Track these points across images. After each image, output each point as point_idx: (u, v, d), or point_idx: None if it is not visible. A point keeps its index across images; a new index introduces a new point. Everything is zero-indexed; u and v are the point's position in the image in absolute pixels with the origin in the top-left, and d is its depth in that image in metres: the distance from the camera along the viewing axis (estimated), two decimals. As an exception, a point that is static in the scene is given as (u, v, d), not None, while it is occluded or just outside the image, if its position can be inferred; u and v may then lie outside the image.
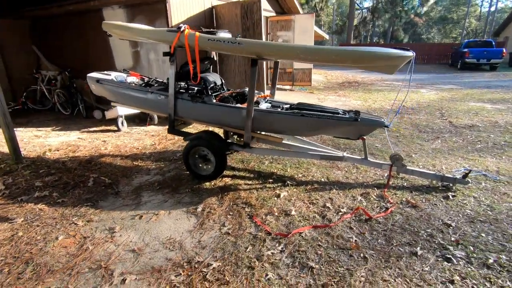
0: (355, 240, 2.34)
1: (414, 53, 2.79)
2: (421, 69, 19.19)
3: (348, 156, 3.38)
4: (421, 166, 3.72)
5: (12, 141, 3.72)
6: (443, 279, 1.94)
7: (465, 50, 17.27)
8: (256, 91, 3.79)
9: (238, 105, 3.40)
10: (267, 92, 4.32)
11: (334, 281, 1.94)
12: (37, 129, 5.67)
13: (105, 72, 4.19)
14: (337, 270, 2.04)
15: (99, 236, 2.46)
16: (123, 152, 4.43)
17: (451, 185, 3.14)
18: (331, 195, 3.04)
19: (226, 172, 3.64)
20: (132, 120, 6.04)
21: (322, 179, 3.42)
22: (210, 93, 3.47)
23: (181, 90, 3.56)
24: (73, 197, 3.10)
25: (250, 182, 3.38)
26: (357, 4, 29.85)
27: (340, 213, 2.72)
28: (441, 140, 4.75)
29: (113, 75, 4.06)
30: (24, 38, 7.82)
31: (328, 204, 2.87)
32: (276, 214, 2.73)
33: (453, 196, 2.96)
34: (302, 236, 2.40)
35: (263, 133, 3.46)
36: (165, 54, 3.34)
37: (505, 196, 2.96)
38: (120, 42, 6.47)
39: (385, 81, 13.04)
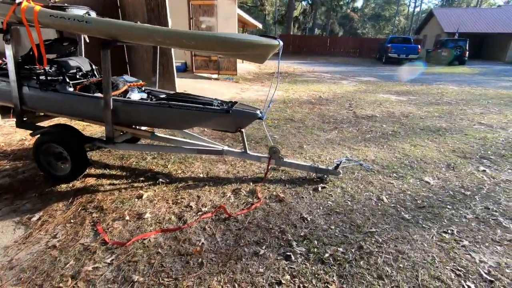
0: (202, 244, 2.16)
1: (281, 43, 2.66)
2: (352, 62, 20.34)
3: (228, 149, 3.20)
4: (307, 158, 3.74)
5: None
6: (272, 281, 1.85)
7: (389, 45, 18.71)
8: (128, 79, 3.41)
9: (99, 94, 2.97)
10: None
11: (152, 296, 1.72)
12: None
13: None
14: (162, 281, 1.82)
15: None
16: (-23, 150, 3.68)
17: (325, 176, 3.17)
18: (200, 193, 2.84)
19: (95, 171, 3.21)
20: (10, 112, 5.14)
21: (201, 175, 3.21)
22: (66, 80, 2.98)
23: (32, 77, 2.99)
24: None
25: (117, 182, 3.02)
26: (298, -5, 30.42)
27: (200, 213, 2.52)
28: (338, 130, 4.90)
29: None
30: None
31: (192, 203, 2.65)
32: (127, 218, 2.43)
33: (322, 188, 2.98)
34: (144, 243, 2.14)
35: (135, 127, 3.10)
36: (-1, 31, 2.74)
37: (370, 185, 3.07)
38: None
39: (314, 72, 13.45)
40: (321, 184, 3.03)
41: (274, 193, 2.86)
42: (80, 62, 3.33)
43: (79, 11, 2.91)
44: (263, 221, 2.43)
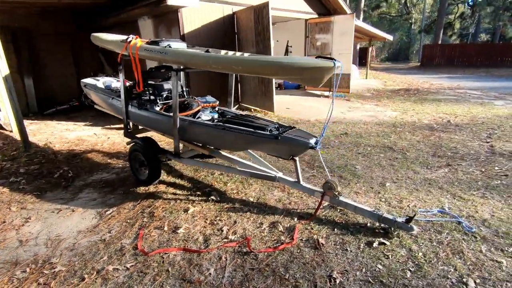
0: (209, 273, 2.09)
1: (339, 63, 2.33)
2: (526, 74, 15.35)
3: (281, 177, 3.01)
4: (381, 200, 3.03)
5: (22, 133, 4.57)
6: None
7: None
8: (209, 99, 3.73)
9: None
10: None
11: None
12: (74, 123, 6.77)
13: (97, 77, 4.73)
14: (152, 302, 1.87)
15: (14, 223, 2.84)
16: (112, 149, 4.92)
17: (392, 229, 2.48)
18: (239, 218, 2.77)
19: (169, 179, 3.69)
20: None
21: (251, 199, 3.14)
22: (155, 101, 3.57)
23: (135, 98, 3.73)
24: (34, 185, 3.63)
25: (179, 192, 3.35)
26: (454, -3, 25.50)
27: (225, 240, 2.46)
28: (450, 169, 3.75)
29: (102, 80, 4.55)
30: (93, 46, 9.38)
31: (225, 228, 2.62)
32: (165, 229, 2.64)
33: (380, 243, 2.33)
34: (163, 258, 2.27)
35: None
36: (116, 62, 3.58)
37: (457, 256, 2.17)
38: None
39: (458, 89, 10.89)
40: (381, 239, 2.38)
41: (315, 236, 2.46)
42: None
43: (176, 44, 3.37)
44: (282, 267, 2.12)
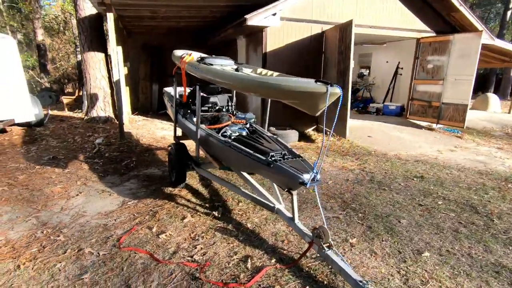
0: (148, 286, 2.09)
1: (336, 90, 2.03)
2: None
3: (279, 209, 2.73)
4: (402, 272, 2.28)
5: (120, 127, 5.78)
6: None
7: None
8: (248, 116, 3.75)
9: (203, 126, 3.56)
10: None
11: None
12: (170, 124, 8.01)
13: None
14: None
15: (70, 194, 3.61)
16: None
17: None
18: (221, 241, 2.64)
19: (195, 184, 3.88)
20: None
21: (249, 225, 2.94)
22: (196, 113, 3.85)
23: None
24: (104, 168, 4.52)
25: (193, 200, 3.48)
26: None
27: (190, 258, 2.39)
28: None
29: (179, 90, 5.25)
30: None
31: (198, 247, 2.55)
32: (154, 230, 2.80)
33: (346, 326, 1.77)
34: (130, 256, 2.42)
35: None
36: (169, 75, 4.07)
37: None
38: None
39: None
40: (353, 321, 1.80)
41: (279, 287, 2.08)
42: (219, 99, 4.13)
43: (222, 61, 3.54)
44: (213, 308, 1.90)
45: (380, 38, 9.09)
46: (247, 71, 3.24)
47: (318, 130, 7.14)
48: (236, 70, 3.18)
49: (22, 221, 2.97)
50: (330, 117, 6.35)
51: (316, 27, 6.71)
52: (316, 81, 2.05)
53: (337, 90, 2.01)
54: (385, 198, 3.62)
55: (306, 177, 2.22)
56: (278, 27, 6.21)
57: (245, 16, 5.52)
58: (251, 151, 2.65)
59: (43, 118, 7.04)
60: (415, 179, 4.29)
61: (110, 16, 5.23)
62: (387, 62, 10.98)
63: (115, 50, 5.35)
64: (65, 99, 9.52)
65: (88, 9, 6.62)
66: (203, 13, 7.25)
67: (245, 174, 3.23)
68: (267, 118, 3.80)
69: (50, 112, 8.82)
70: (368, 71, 11.96)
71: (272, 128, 6.40)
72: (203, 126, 3.45)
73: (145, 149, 5.53)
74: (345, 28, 5.69)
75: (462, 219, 3.12)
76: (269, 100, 3.61)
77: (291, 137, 6.24)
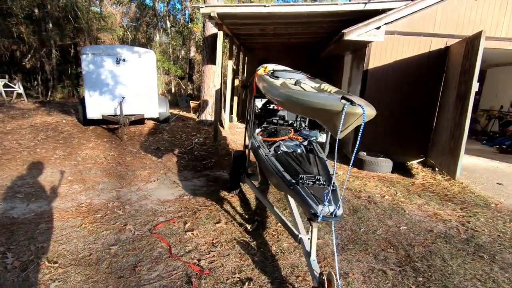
0: (145, 276, 2.25)
1: (359, 110, 1.77)
2: None
3: (302, 239, 2.41)
4: None
5: (215, 131, 6.45)
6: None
7: None
8: (311, 134, 3.54)
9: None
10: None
11: None
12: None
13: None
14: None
15: (150, 179, 4.29)
16: (256, 159, 5.74)
17: None
18: (235, 255, 2.55)
19: (248, 193, 3.89)
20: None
21: (273, 248, 2.71)
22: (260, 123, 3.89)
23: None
24: (188, 163, 5.13)
25: (237, 208, 3.50)
26: None
27: (197, 261, 2.41)
28: None
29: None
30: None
31: (214, 253, 2.55)
32: (187, 226, 2.98)
33: None
34: (153, 243, 2.66)
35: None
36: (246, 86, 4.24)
37: None
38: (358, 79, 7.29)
39: None
40: None
41: (258, 324, 1.84)
42: (288, 113, 4.01)
43: (293, 75, 3.49)
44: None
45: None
46: (307, 86, 3.04)
47: (425, 164, 5.87)
48: (295, 84, 3.04)
49: (108, 192, 3.74)
50: (445, 147, 5.13)
51: (437, 42, 5.60)
52: (342, 98, 1.73)
53: (357, 110, 1.64)
54: (476, 269, 2.61)
55: (320, 209, 1.89)
56: (384, 42, 5.53)
57: (343, 31, 5.20)
58: (281, 169, 2.46)
59: (169, 116, 8.67)
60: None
61: (220, 34, 5.99)
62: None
63: (219, 63, 6.07)
64: (192, 103, 11.42)
65: (212, 28, 7.78)
66: (311, 29, 7.27)
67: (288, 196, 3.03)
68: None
69: (181, 113, 10.76)
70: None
71: (363, 153, 5.71)
72: (259, 137, 3.44)
73: (229, 153, 5.97)
74: (472, 42, 4.50)
75: None
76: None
77: (381, 166, 5.38)
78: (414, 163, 5.97)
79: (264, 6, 5.18)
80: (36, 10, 14.93)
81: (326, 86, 3.09)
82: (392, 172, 5.43)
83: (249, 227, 3.05)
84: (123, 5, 19.36)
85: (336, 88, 2.84)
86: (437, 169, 5.46)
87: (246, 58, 11.08)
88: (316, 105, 1.80)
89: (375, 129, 6.04)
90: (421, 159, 6.00)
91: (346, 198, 4.00)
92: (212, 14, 5.32)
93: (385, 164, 5.42)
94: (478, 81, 4.50)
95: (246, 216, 3.33)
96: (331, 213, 1.91)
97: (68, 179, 4.09)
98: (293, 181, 2.22)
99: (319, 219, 1.88)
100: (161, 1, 20.46)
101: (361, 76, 5.93)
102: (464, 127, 4.50)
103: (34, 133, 6.02)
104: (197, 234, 2.85)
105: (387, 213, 3.62)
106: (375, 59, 5.78)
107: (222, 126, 8.25)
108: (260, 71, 3.66)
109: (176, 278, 2.21)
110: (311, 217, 2.01)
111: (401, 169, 5.58)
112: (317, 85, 3.13)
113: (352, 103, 1.65)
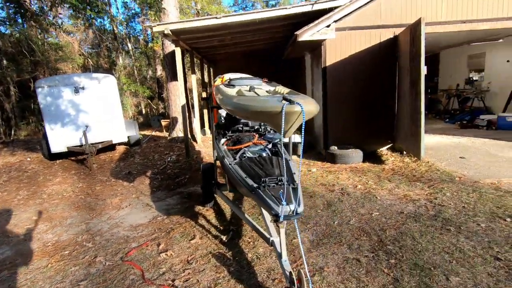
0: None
1: (296, 108, 1.80)
2: None
3: (274, 241, 2.42)
4: None
5: (186, 147, 6.38)
6: None
7: None
8: (272, 136, 3.58)
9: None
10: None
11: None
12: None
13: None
14: None
15: (121, 206, 4.16)
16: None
17: None
18: (210, 269, 2.52)
19: (223, 206, 3.86)
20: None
21: (249, 255, 2.70)
22: (225, 133, 3.89)
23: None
24: (160, 183, 5.04)
25: (212, 221, 3.47)
26: None
27: (171, 282, 2.36)
28: None
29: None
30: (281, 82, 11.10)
31: (189, 271, 2.50)
32: (160, 247, 2.91)
33: None
34: (125, 271, 2.57)
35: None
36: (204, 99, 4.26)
37: None
38: (315, 80, 7.46)
39: None
40: None
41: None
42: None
43: (247, 82, 3.52)
44: None
45: (491, 33, 7.20)
46: (261, 91, 3.09)
47: (394, 149, 6.10)
48: (249, 90, 3.08)
49: (76, 226, 3.59)
50: (407, 131, 5.36)
51: (386, 33, 5.88)
52: (283, 99, 1.78)
53: (296, 108, 1.69)
54: (444, 242, 2.72)
55: (280, 210, 1.91)
56: (337, 39, 5.75)
57: (295, 33, 5.35)
58: (244, 175, 2.47)
59: (140, 138, 8.50)
60: (508, 219, 3.08)
61: (177, 50, 5.99)
62: (507, 61, 8.59)
63: (181, 79, 6.05)
64: (163, 122, 11.27)
65: (170, 45, 7.77)
66: (268, 35, 7.43)
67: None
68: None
69: (153, 133, 10.56)
70: (480, 75, 9.62)
71: (334, 147, 5.84)
72: (224, 147, 3.45)
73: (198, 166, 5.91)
74: (414, 29, 4.77)
75: None
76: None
77: (352, 157, 5.52)
78: (383, 150, 6.18)
79: (216, 18, 5.25)
80: (-13, 48, 14.28)
81: (280, 88, 3.16)
82: (364, 161, 5.58)
83: (224, 238, 3.03)
84: (80, 32, 18.94)
85: (288, 89, 2.91)
86: (404, 153, 5.68)
87: (212, 70, 11.12)
88: (259, 108, 1.84)
89: (343, 122, 6.24)
90: (390, 145, 6.23)
91: (320, 194, 4.06)
92: (165, 32, 5.32)
93: (356, 155, 5.57)
94: (430, 65, 4.76)
95: (221, 228, 3.29)
96: (293, 211, 1.94)
97: (33, 219, 3.89)
98: (255, 185, 2.24)
99: (281, 219, 1.90)
100: (120, 23, 20.22)
101: (321, 73, 6.10)
102: (421, 110, 4.73)
103: (-6, 177, 5.71)
104: (171, 254, 2.79)
105: (360, 202, 3.71)
106: (331, 56, 5.98)
107: (195, 140, 8.18)
108: (217, 81, 3.68)
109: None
110: (274, 218, 2.03)
111: (372, 157, 5.75)
112: (272, 88, 3.18)
113: (290, 102, 1.70)
